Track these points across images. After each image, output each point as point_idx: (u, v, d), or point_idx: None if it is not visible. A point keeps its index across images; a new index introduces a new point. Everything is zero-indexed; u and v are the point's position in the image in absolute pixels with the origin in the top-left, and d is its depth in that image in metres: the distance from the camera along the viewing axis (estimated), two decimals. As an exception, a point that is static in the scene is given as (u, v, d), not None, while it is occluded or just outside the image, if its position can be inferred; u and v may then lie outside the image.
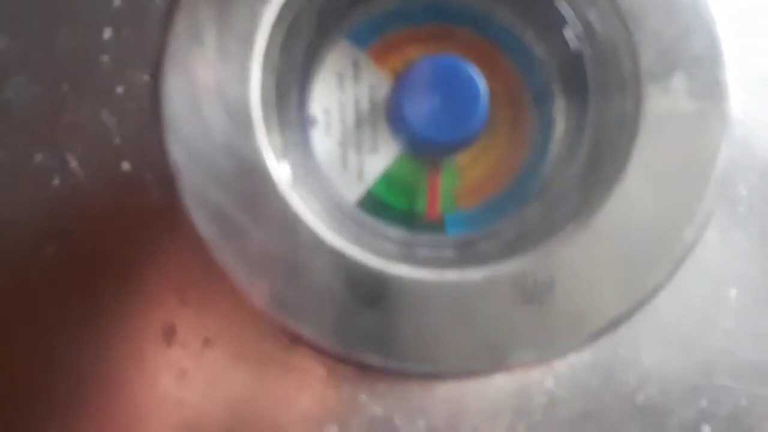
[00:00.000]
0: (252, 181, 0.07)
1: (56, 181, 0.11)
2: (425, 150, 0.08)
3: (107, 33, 0.11)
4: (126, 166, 0.11)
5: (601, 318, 0.07)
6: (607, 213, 0.07)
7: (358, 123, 0.08)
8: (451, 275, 0.07)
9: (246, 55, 0.08)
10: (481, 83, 0.08)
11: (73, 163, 0.11)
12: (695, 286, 0.12)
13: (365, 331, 0.07)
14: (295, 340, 0.10)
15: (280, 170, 0.08)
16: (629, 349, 0.11)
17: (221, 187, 0.07)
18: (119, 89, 0.12)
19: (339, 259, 0.07)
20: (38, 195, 0.11)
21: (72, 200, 0.11)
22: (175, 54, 0.07)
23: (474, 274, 0.07)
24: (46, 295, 0.12)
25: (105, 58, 0.11)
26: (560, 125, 0.08)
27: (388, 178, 0.09)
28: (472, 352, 0.07)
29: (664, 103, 0.07)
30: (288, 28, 0.08)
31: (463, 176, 0.09)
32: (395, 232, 0.08)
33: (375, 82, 0.09)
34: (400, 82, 0.08)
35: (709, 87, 0.08)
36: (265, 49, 0.08)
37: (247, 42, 0.08)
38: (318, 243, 0.07)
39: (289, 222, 0.07)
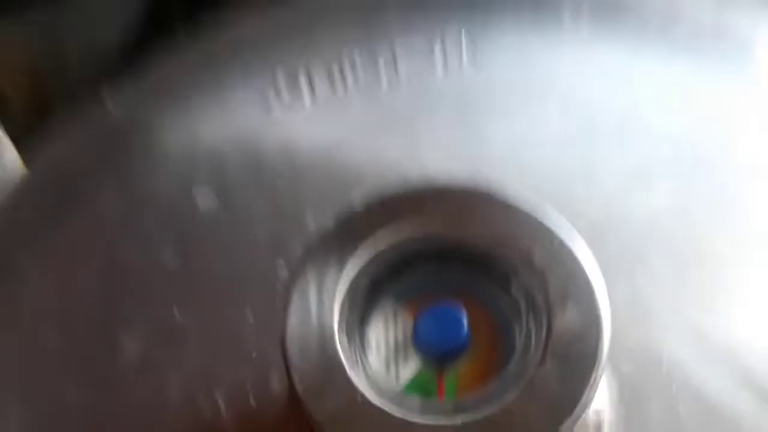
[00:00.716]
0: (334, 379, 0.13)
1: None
2: (433, 361, 0.14)
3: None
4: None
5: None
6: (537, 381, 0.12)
7: (396, 348, 0.14)
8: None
9: (329, 311, 0.14)
10: (464, 320, 0.14)
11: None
12: None
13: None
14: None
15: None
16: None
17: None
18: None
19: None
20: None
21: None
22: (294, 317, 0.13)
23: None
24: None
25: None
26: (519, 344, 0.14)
27: (414, 382, 0.14)
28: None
29: (563, 323, 0.13)
30: (352, 294, 0.14)
31: (460, 379, 0.14)
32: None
33: (406, 323, 0.14)
34: (416, 324, 0.14)
35: (591, 313, 0.13)
36: (340, 306, 0.14)
37: (329, 305, 0.14)
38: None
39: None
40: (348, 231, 0.14)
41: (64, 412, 0.16)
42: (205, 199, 0.19)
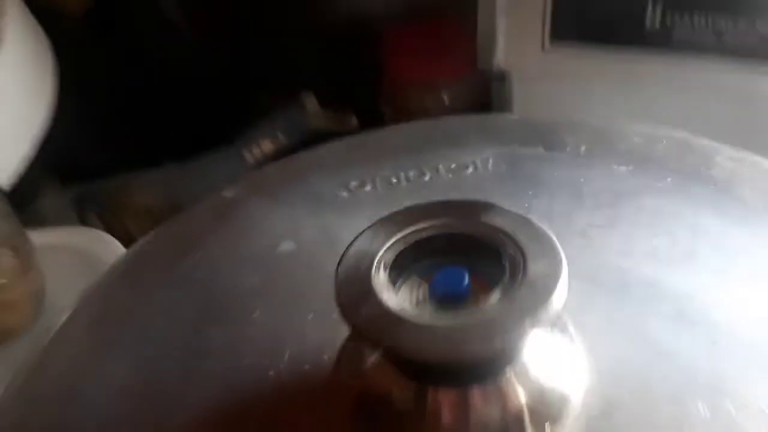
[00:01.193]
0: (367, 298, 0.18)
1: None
2: (443, 305, 0.19)
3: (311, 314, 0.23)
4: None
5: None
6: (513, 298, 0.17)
7: (417, 302, 0.19)
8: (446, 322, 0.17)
9: (371, 263, 0.19)
10: (466, 275, 0.19)
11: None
12: None
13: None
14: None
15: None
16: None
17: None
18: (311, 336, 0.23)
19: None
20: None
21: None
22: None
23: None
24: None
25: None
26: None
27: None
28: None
29: (535, 268, 0.18)
30: (388, 261, 0.19)
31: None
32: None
33: (424, 290, 0.19)
34: (431, 280, 0.19)
35: (555, 264, 0.18)
36: (378, 264, 0.19)
37: (371, 260, 0.19)
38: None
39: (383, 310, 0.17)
40: (389, 225, 0.20)
41: (164, 367, 0.21)
42: (285, 247, 0.25)
